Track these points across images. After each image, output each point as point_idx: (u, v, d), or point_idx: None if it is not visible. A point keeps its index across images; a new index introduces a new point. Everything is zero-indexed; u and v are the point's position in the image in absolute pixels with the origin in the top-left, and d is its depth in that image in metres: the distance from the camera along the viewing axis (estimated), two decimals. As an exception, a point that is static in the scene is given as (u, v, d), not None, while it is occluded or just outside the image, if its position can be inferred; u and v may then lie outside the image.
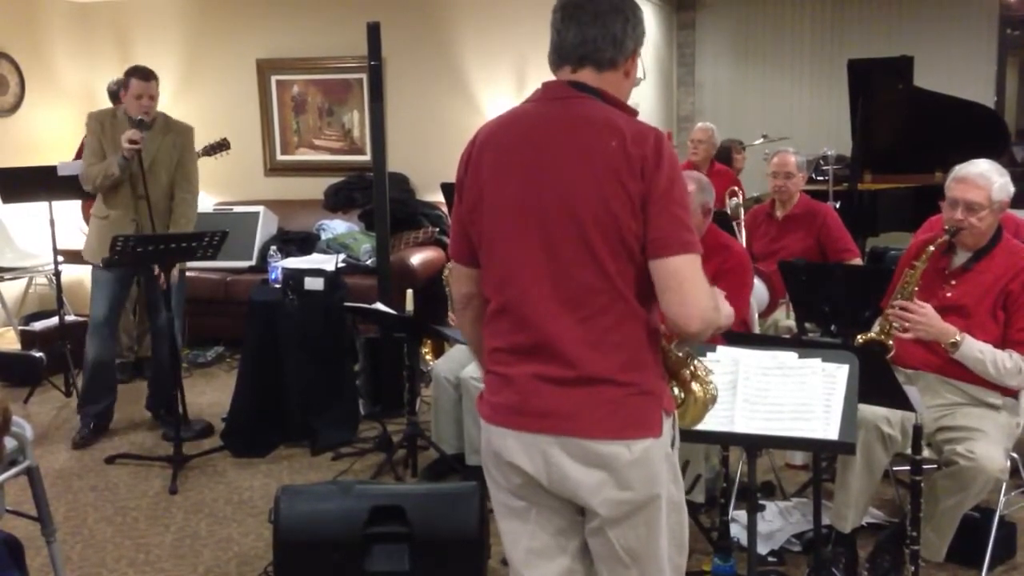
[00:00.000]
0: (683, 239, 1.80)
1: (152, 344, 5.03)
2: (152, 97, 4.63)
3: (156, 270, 4.50)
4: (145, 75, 4.62)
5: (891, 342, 3.28)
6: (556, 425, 1.86)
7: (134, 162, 4.49)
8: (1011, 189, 3.29)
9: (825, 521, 3.23)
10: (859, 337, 3.33)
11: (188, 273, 6.05)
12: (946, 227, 3.27)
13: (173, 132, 4.77)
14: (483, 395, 2.00)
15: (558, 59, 1.95)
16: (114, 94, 5.70)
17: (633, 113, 1.92)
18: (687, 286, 1.79)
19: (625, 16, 1.91)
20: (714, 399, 2.01)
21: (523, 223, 1.88)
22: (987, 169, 3.26)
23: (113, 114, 4.73)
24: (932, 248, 3.25)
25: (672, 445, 1.94)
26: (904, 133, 6.43)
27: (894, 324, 3.25)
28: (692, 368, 1.97)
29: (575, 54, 1.91)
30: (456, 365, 4.10)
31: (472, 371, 3.98)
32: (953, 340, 3.16)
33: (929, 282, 3.28)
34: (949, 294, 3.28)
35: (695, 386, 1.98)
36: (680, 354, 1.96)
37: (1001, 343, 3.18)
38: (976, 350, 3.15)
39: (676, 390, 1.98)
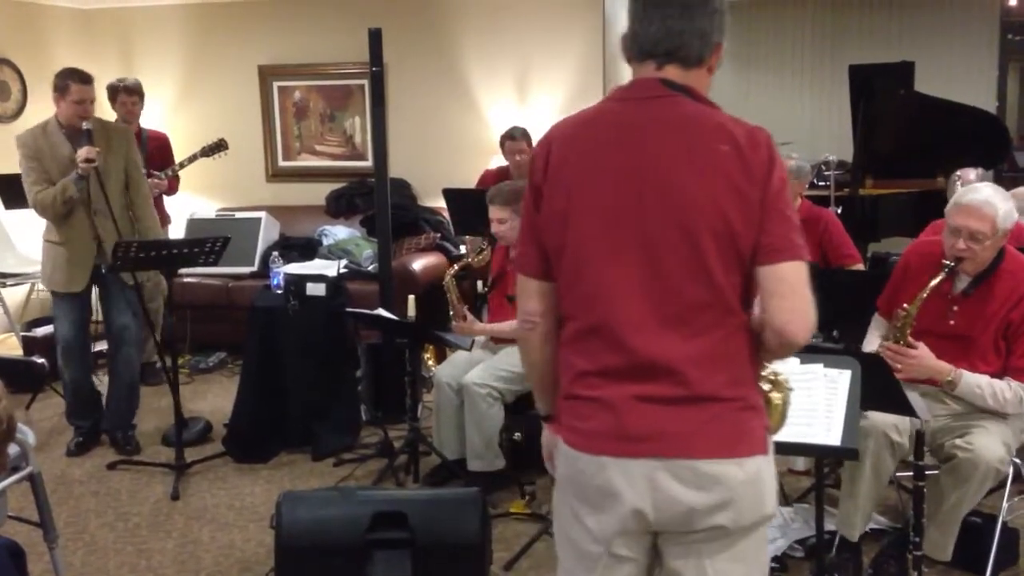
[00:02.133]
0: (794, 243, 1.70)
1: (113, 362, 4.71)
2: (93, 101, 4.40)
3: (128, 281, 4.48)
4: (86, 78, 4.37)
5: None
6: (663, 447, 1.72)
7: (91, 178, 4.29)
8: (1015, 216, 3.14)
9: (828, 527, 3.22)
10: None
11: (189, 279, 6.12)
12: (946, 260, 3.11)
13: (115, 136, 4.54)
14: (564, 421, 1.85)
15: (640, 53, 1.78)
16: (113, 89, 5.72)
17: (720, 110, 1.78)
18: (799, 293, 1.69)
19: (713, 8, 1.75)
20: (789, 406, 1.91)
21: (619, 234, 1.73)
22: (991, 195, 3.08)
23: (43, 130, 4.42)
24: (930, 288, 3.07)
25: None
26: (905, 138, 6.43)
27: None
28: (771, 376, 1.87)
29: (659, 49, 1.75)
30: (458, 371, 4.10)
31: (474, 377, 3.98)
32: (949, 379, 3.09)
33: (931, 305, 3.14)
34: (952, 322, 3.19)
35: (775, 394, 1.87)
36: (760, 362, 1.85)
37: (1002, 372, 3.13)
38: (974, 386, 3.08)
39: None
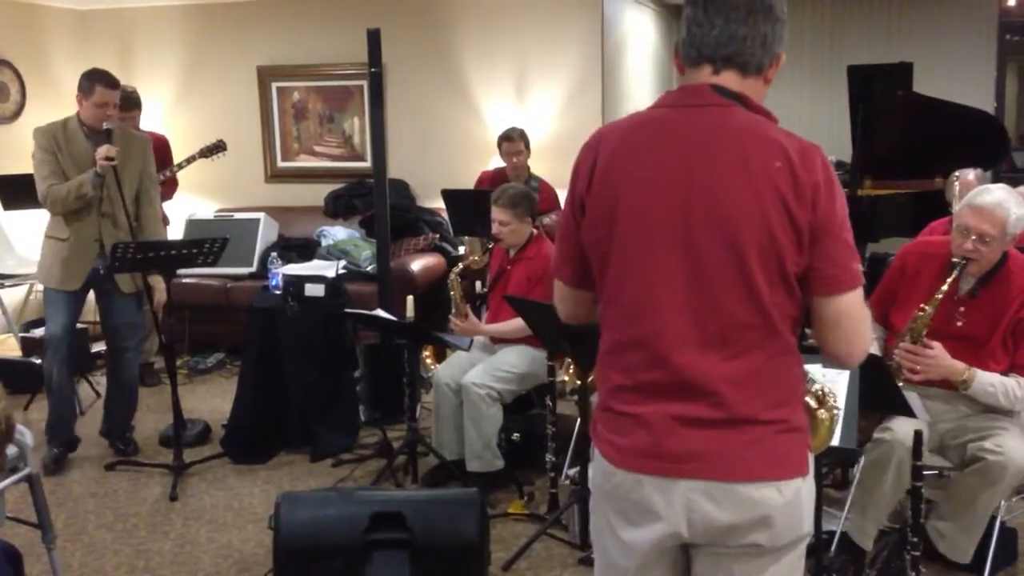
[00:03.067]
0: (854, 271, 1.67)
1: (112, 366, 4.70)
2: (116, 106, 4.40)
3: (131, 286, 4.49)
4: (113, 83, 4.36)
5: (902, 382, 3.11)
6: (702, 469, 1.69)
7: (108, 178, 4.27)
8: None
9: (827, 527, 3.23)
10: None
11: (187, 280, 6.12)
12: (955, 258, 3.10)
13: (134, 143, 4.52)
14: (601, 433, 1.81)
15: (697, 56, 1.71)
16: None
17: (775, 121, 1.73)
18: (858, 325, 1.70)
19: (776, 15, 1.72)
20: (837, 422, 1.90)
21: (666, 248, 1.68)
22: (1004, 199, 3.06)
23: (64, 126, 4.39)
24: (945, 288, 3.07)
25: None
26: (904, 139, 6.42)
27: (903, 366, 3.12)
28: (817, 392, 1.85)
29: (719, 54, 1.69)
30: (457, 371, 4.10)
31: (473, 377, 3.98)
32: (963, 378, 3.08)
33: (938, 307, 3.12)
34: (960, 323, 3.18)
35: (821, 412, 1.85)
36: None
37: (1010, 370, 3.13)
38: (987, 384, 3.08)
39: None
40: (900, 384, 3.00)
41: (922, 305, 3.11)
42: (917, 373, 3.09)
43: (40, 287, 6.64)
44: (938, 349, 3.09)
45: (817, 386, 1.84)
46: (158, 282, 4.48)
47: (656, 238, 1.69)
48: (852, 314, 1.68)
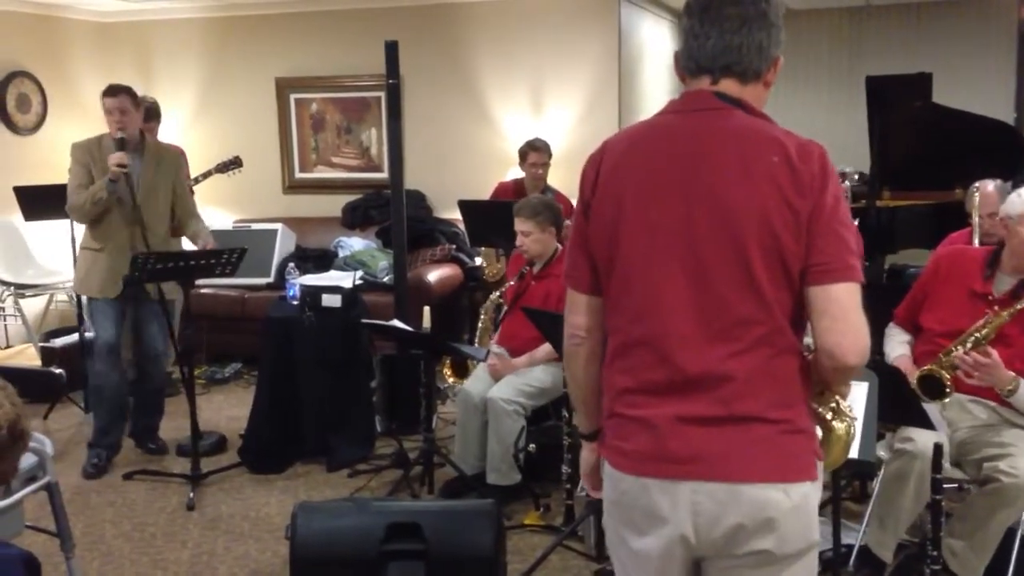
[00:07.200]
0: (849, 264, 1.65)
1: (142, 369, 4.86)
2: (124, 111, 4.50)
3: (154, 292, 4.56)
4: (111, 91, 4.52)
5: (949, 385, 3.10)
6: (704, 470, 1.67)
7: (123, 186, 4.42)
8: None
9: (845, 540, 3.20)
10: (917, 371, 3.17)
11: (205, 291, 6.15)
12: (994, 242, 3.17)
13: (166, 155, 4.75)
14: (608, 441, 1.81)
15: (696, 68, 1.76)
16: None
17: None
18: (851, 316, 1.64)
19: (771, 21, 1.73)
20: (854, 436, 1.85)
21: (669, 246, 1.70)
22: None
23: (99, 141, 4.58)
24: (1021, 305, 3.06)
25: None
26: (923, 150, 6.38)
27: (958, 366, 3.09)
28: (833, 404, 1.81)
29: (717, 64, 1.73)
30: (483, 386, 4.11)
31: (499, 392, 3.99)
32: (1010, 387, 3.06)
33: (971, 308, 3.13)
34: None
35: (837, 423, 1.80)
36: (820, 390, 1.79)
37: None
38: None
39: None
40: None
41: (998, 310, 3.09)
42: (972, 378, 3.07)
43: (60, 298, 6.72)
44: (995, 357, 3.06)
45: (834, 399, 1.81)
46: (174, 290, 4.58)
47: (659, 239, 1.71)
48: (843, 304, 1.64)
